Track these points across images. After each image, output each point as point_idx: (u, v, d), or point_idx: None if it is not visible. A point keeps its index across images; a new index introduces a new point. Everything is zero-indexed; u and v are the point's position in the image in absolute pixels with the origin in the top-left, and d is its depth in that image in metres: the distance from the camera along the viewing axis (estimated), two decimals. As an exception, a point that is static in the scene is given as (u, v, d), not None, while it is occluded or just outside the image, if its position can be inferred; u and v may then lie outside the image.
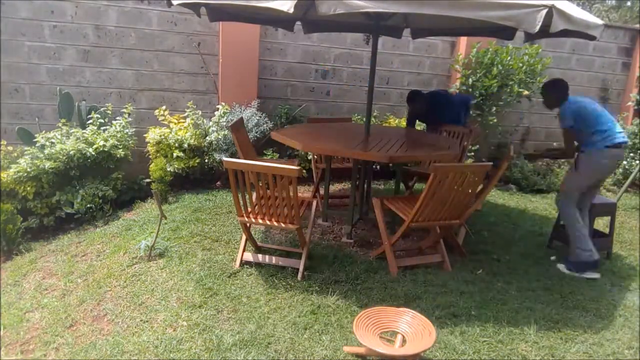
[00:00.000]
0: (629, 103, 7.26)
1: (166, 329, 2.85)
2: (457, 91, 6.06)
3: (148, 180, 5.10)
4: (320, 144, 3.73)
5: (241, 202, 3.32)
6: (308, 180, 5.64)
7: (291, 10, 2.49)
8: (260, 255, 3.64)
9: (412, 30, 4.98)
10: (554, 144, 7.03)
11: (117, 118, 4.98)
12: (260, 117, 5.40)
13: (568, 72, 6.99)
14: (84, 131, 4.71)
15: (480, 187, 3.86)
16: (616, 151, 3.68)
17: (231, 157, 4.83)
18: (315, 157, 5.00)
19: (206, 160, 5.14)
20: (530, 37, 3.76)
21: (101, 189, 4.61)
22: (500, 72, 5.83)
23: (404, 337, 2.53)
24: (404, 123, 6.06)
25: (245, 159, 3.88)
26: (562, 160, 6.39)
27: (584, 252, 3.75)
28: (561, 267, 3.89)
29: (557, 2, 2.62)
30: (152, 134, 4.96)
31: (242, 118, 4.48)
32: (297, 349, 2.69)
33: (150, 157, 5.13)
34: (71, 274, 3.57)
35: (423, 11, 2.57)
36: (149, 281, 3.35)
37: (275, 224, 3.34)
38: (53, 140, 4.59)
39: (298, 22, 4.84)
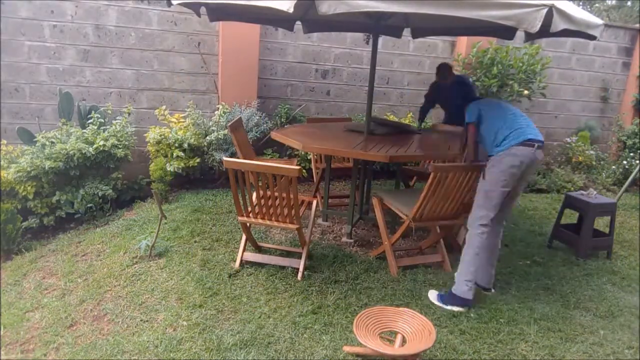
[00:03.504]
0: (629, 103, 7.26)
1: (166, 328, 2.85)
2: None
3: (148, 180, 5.10)
4: (320, 144, 3.73)
5: (241, 202, 3.33)
6: (308, 180, 5.64)
7: (291, 10, 2.49)
8: (260, 255, 3.64)
9: (412, 30, 4.98)
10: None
11: (117, 118, 4.98)
12: (260, 117, 5.40)
13: (568, 72, 6.99)
14: (84, 131, 4.71)
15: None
16: None
17: (231, 156, 4.83)
18: (315, 157, 5.00)
19: (206, 160, 5.14)
20: (530, 37, 3.76)
21: (101, 188, 4.61)
22: (500, 71, 5.83)
23: (404, 336, 2.53)
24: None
25: (244, 159, 3.88)
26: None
27: (464, 286, 3.15)
28: (432, 295, 3.30)
29: (557, 1, 2.62)
30: (152, 134, 4.96)
31: (240, 118, 4.48)
32: (297, 349, 2.69)
33: (150, 157, 5.13)
34: (71, 274, 3.57)
35: (423, 11, 2.56)
36: (149, 281, 3.35)
37: (276, 223, 3.34)
38: (53, 140, 4.58)
39: (298, 22, 4.84)
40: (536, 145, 3.05)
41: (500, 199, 3.11)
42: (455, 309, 3.14)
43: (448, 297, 3.21)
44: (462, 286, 3.16)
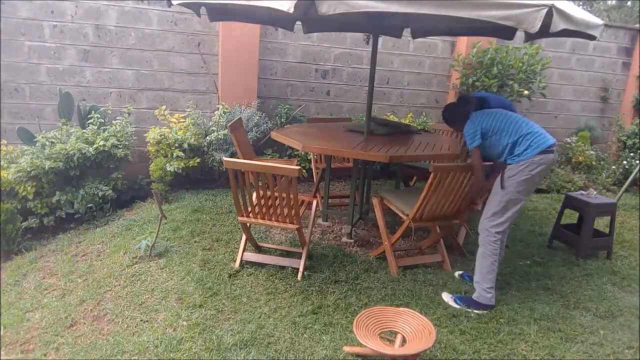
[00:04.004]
0: (629, 103, 7.26)
1: (166, 329, 2.85)
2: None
3: (148, 180, 5.10)
4: (320, 144, 3.73)
5: (241, 202, 3.33)
6: (308, 180, 5.64)
7: (291, 10, 2.49)
8: (260, 255, 3.64)
9: (412, 30, 4.97)
10: None
11: (117, 118, 4.98)
12: (260, 117, 5.40)
13: (568, 72, 6.99)
14: (84, 131, 4.71)
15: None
16: None
17: (231, 156, 4.83)
18: (315, 157, 5.00)
19: (206, 160, 5.14)
20: (530, 37, 3.76)
21: (101, 188, 4.61)
22: (500, 71, 5.83)
23: (404, 337, 2.53)
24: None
25: (244, 159, 3.88)
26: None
27: (486, 294, 3.18)
28: (446, 297, 3.30)
29: (557, 1, 2.62)
30: (152, 134, 4.96)
31: (240, 118, 4.48)
32: (297, 349, 2.69)
33: (150, 157, 5.13)
34: (71, 274, 3.57)
35: (423, 11, 2.56)
36: (149, 281, 3.35)
37: (276, 223, 3.34)
38: (53, 140, 4.59)
39: (298, 22, 4.84)
40: (555, 148, 3.07)
41: (519, 207, 3.12)
42: (478, 312, 3.16)
43: (470, 302, 3.20)
44: (484, 294, 3.18)
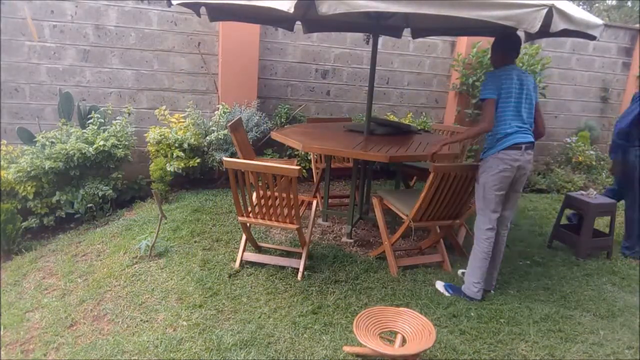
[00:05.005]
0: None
1: (166, 329, 2.85)
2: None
3: (148, 180, 5.10)
4: (320, 143, 3.73)
5: (241, 202, 3.33)
6: (308, 180, 5.64)
7: (291, 10, 2.49)
8: (260, 255, 3.64)
9: (412, 30, 4.98)
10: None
11: (117, 118, 4.98)
12: (260, 117, 5.40)
13: (568, 72, 6.99)
14: (84, 131, 4.71)
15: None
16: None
17: (231, 156, 4.83)
18: (315, 157, 5.00)
19: (206, 160, 5.14)
20: (530, 37, 3.77)
21: (101, 188, 4.61)
22: (500, 72, 5.82)
23: (404, 337, 2.53)
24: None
25: (244, 159, 3.88)
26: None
27: (473, 287, 3.25)
28: (439, 285, 3.41)
29: (557, 1, 2.62)
30: (152, 134, 4.96)
31: (240, 118, 4.48)
32: (297, 349, 2.69)
33: (150, 157, 5.13)
34: (71, 274, 3.57)
35: (423, 11, 2.57)
36: (149, 281, 3.35)
37: (276, 223, 3.34)
38: (53, 140, 4.59)
39: (298, 22, 4.84)
40: (524, 147, 3.05)
41: (497, 203, 3.15)
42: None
43: (458, 293, 3.33)
44: (471, 287, 3.28)
